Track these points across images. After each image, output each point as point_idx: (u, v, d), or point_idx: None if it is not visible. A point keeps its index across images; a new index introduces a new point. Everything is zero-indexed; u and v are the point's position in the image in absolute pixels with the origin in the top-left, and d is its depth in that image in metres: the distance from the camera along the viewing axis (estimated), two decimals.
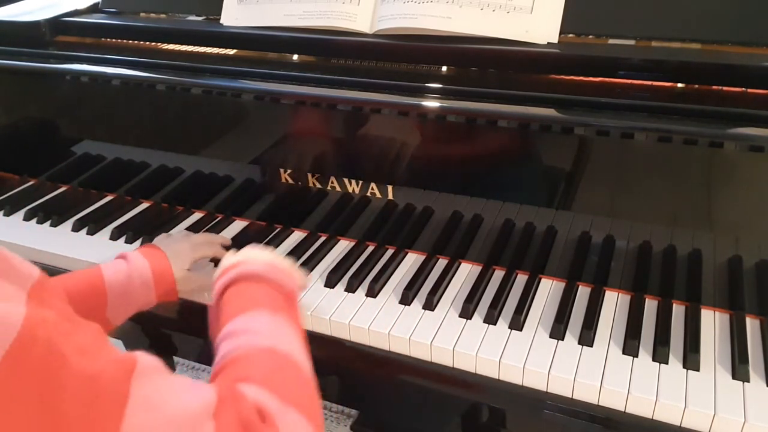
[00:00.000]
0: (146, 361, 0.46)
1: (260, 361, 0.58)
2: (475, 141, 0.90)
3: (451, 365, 0.83)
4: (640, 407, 0.74)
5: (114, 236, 1.08)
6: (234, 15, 1.05)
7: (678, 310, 0.86)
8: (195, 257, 0.92)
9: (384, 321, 0.87)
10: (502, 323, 0.86)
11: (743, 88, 0.79)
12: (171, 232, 1.09)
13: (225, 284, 0.70)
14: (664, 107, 0.78)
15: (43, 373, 0.40)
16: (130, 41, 1.15)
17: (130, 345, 1.51)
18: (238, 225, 1.11)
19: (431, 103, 0.88)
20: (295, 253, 1.01)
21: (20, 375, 0.39)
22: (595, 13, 0.88)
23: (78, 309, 0.79)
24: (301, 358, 0.61)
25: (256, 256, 0.75)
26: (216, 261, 0.97)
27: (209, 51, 1.08)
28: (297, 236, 1.07)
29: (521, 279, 0.94)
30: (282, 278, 0.71)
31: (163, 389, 0.46)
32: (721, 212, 0.81)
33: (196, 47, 1.09)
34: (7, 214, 1.17)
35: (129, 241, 1.07)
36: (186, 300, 0.97)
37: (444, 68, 0.94)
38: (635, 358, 0.79)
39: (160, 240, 0.93)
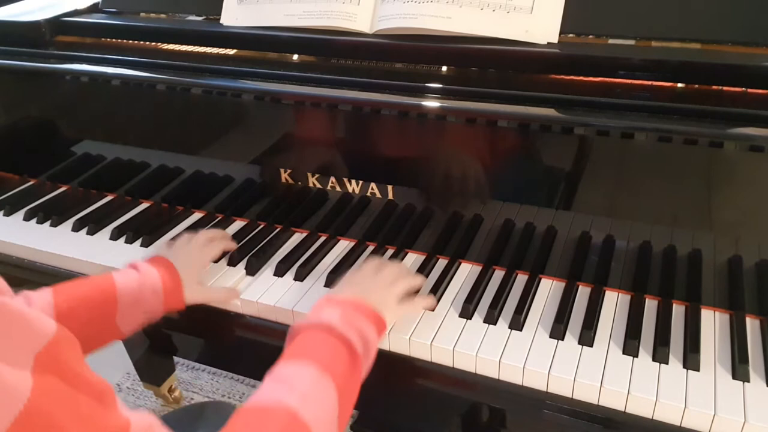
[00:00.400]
0: (138, 424, 0.48)
1: (273, 425, 0.59)
2: (475, 141, 0.90)
3: (451, 365, 0.83)
4: (640, 407, 0.74)
5: (114, 236, 1.08)
6: (234, 15, 1.05)
7: (678, 310, 0.86)
8: (204, 264, 0.93)
9: None
10: (502, 323, 0.86)
11: (743, 88, 0.79)
12: (172, 232, 1.09)
13: (301, 328, 0.72)
14: (664, 107, 0.78)
15: None
16: (130, 41, 1.15)
17: (130, 345, 1.51)
18: (238, 225, 1.11)
19: (431, 103, 0.88)
20: (295, 253, 1.01)
21: None
22: (595, 13, 0.88)
23: (90, 316, 0.79)
24: (321, 429, 0.62)
25: (351, 292, 0.78)
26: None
27: (209, 51, 1.08)
28: (297, 236, 1.07)
29: (521, 279, 0.94)
30: (359, 332, 0.72)
31: None
32: (721, 212, 0.81)
33: (196, 47, 1.09)
34: (7, 214, 1.17)
35: (129, 241, 1.07)
36: None
37: (444, 68, 0.94)
38: (635, 358, 0.79)
39: (164, 250, 0.93)
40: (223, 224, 1.11)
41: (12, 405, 0.40)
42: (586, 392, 0.77)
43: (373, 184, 0.98)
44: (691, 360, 0.77)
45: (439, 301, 0.90)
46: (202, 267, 0.93)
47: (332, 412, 0.64)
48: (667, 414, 0.73)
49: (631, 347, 0.80)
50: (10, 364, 0.41)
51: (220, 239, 1.00)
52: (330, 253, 1.02)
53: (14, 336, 0.43)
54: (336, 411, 0.64)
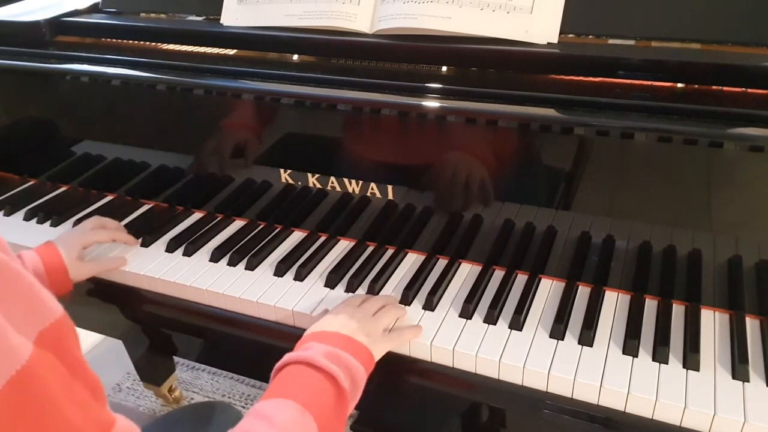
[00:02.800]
0: (121, 427, 0.49)
1: None
2: (475, 141, 0.90)
3: (451, 365, 0.83)
4: (640, 407, 0.74)
5: None
6: (234, 15, 1.05)
7: (678, 310, 0.86)
8: (84, 243, 0.96)
9: None
10: (502, 323, 0.86)
11: (743, 88, 0.79)
12: (172, 232, 1.09)
13: (287, 361, 0.72)
14: (664, 107, 0.78)
15: (34, 409, 0.41)
16: (130, 41, 1.15)
17: (130, 345, 1.51)
18: (238, 225, 1.11)
19: (431, 103, 0.88)
20: (295, 253, 1.01)
21: (14, 406, 0.40)
22: (595, 13, 0.88)
23: None
24: None
25: (337, 326, 0.77)
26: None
27: (209, 51, 1.08)
28: (297, 236, 1.07)
29: (521, 279, 0.94)
30: (345, 368, 0.72)
31: None
32: (721, 212, 0.81)
33: (196, 47, 1.09)
34: (7, 214, 1.17)
35: None
36: (185, 300, 0.97)
37: (444, 68, 0.94)
38: (635, 358, 0.79)
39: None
40: (223, 224, 1.11)
41: (10, 364, 0.40)
42: (586, 392, 0.77)
43: (373, 184, 0.98)
44: (691, 360, 0.77)
45: (439, 301, 0.90)
46: (82, 246, 0.96)
47: None
48: (667, 414, 0.73)
49: (631, 347, 0.80)
50: (15, 329, 0.41)
51: (114, 229, 1.03)
52: (330, 253, 1.02)
53: (23, 306, 0.43)
54: None
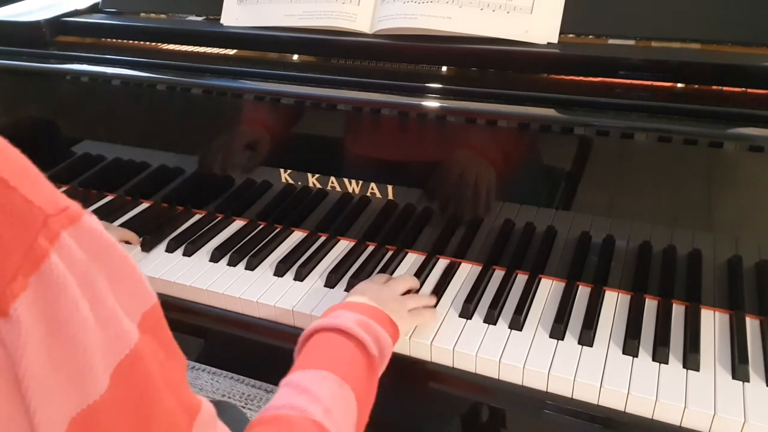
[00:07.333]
0: (206, 410, 0.50)
1: None
2: (475, 141, 0.90)
3: (451, 365, 0.83)
4: (640, 407, 0.74)
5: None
6: (234, 15, 1.05)
7: (678, 310, 0.86)
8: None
9: None
10: (502, 323, 0.86)
11: (743, 88, 0.79)
12: (173, 233, 1.09)
13: (317, 328, 0.72)
14: (664, 107, 0.78)
15: (139, 391, 0.43)
16: (130, 41, 1.15)
17: None
18: (238, 225, 1.11)
19: (431, 103, 0.88)
20: (295, 253, 1.01)
21: (123, 387, 0.42)
22: (595, 13, 0.88)
23: None
24: None
25: (365, 299, 0.77)
26: None
27: (209, 51, 1.08)
28: (297, 236, 1.07)
29: (521, 279, 0.94)
30: (375, 336, 0.71)
31: None
32: (721, 212, 0.81)
33: (196, 47, 1.09)
34: None
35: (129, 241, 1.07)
36: (185, 300, 0.97)
37: (444, 68, 0.94)
38: (635, 358, 0.79)
39: None
40: (223, 224, 1.11)
41: (123, 345, 0.41)
42: (586, 392, 0.77)
43: (373, 184, 0.98)
44: (691, 360, 0.77)
45: (439, 301, 0.90)
46: None
47: (353, 422, 0.64)
48: (667, 414, 0.73)
49: (631, 347, 0.80)
50: (124, 311, 0.43)
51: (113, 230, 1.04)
52: (330, 253, 1.02)
53: (131, 289, 0.44)
54: (355, 419, 0.64)
